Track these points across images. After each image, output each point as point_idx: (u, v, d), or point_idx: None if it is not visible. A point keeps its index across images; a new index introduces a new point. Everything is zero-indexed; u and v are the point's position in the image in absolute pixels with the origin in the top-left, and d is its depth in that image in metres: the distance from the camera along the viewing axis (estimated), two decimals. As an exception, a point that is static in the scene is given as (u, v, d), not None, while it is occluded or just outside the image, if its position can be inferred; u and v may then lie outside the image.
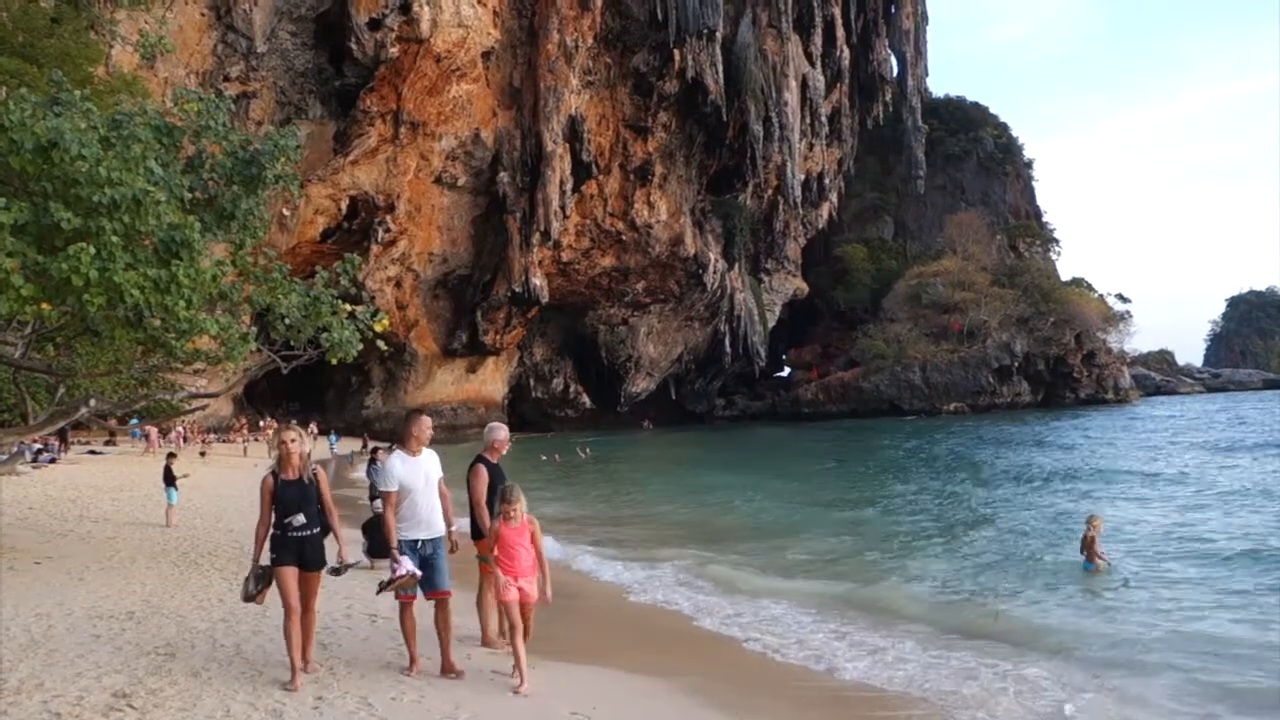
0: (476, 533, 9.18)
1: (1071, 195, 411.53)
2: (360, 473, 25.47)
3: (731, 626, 11.60)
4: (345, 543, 7.74)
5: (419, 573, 7.84)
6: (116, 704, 7.19)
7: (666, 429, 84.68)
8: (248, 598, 7.92)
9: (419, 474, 8.12)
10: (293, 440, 7.62)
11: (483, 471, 9.33)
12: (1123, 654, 10.14)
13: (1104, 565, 14.29)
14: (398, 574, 7.73)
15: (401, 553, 7.96)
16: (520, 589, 7.83)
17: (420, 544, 8.09)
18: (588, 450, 49.94)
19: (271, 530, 7.69)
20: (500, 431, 9.75)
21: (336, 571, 7.97)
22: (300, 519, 7.61)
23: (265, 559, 7.78)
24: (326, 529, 7.89)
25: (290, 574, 7.68)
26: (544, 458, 46.24)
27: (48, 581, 12.14)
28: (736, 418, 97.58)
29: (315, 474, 7.80)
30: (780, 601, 12.85)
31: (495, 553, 7.92)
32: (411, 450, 8.18)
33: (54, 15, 24.85)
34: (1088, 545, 14.41)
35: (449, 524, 8.39)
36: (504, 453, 9.69)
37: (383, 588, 7.86)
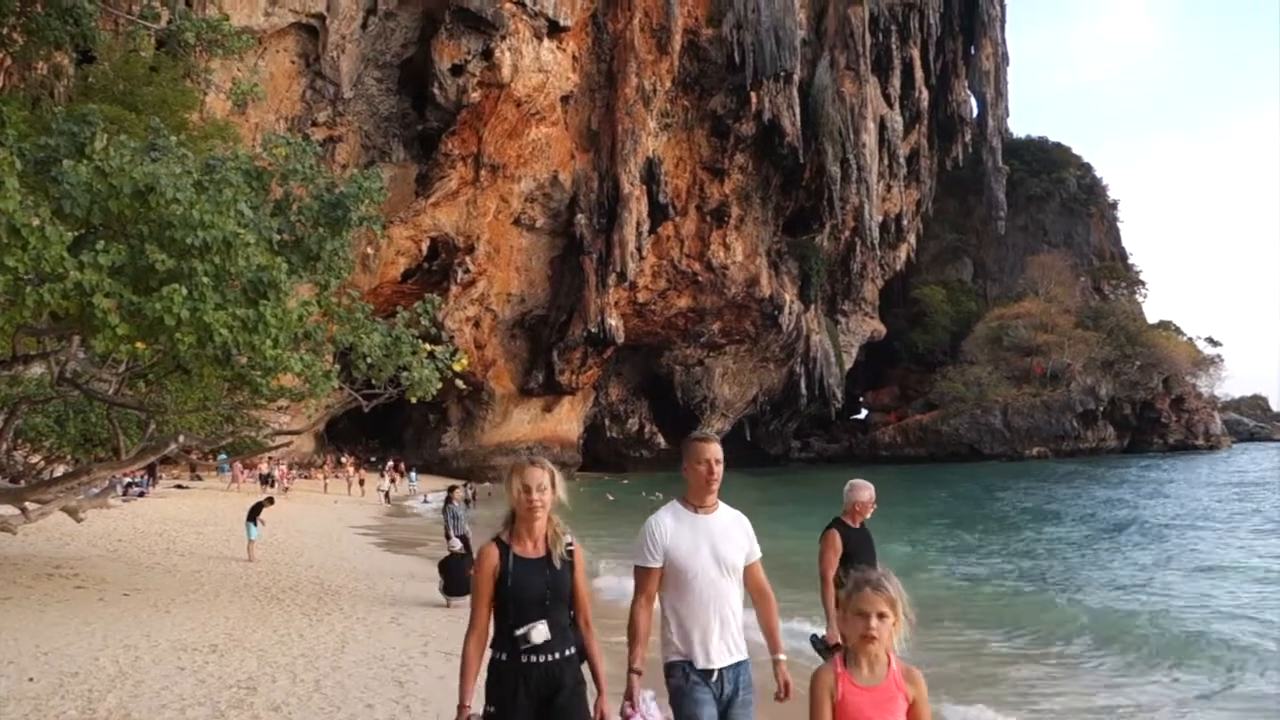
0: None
1: (1159, 236, 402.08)
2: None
3: None
4: (606, 682, 4.47)
5: None
6: (198, 736, 7.30)
7: (741, 470, 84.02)
8: None
9: (703, 546, 4.66)
10: (540, 487, 4.34)
11: (835, 539, 7.33)
12: None
13: None
14: None
15: (696, 687, 4.57)
16: None
17: (717, 676, 4.60)
18: (658, 495, 49.44)
19: (492, 653, 4.35)
20: (864, 491, 7.56)
21: None
22: (543, 631, 4.25)
23: (479, 702, 4.33)
24: (581, 650, 4.47)
25: None
26: (610, 497, 46.18)
27: (135, 613, 12.42)
28: (812, 460, 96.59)
29: (572, 551, 4.48)
30: None
31: None
32: (695, 503, 4.75)
33: (153, 64, 25.82)
34: None
35: (773, 641, 4.84)
36: (868, 516, 7.60)
37: None
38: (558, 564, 4.36)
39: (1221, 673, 11.65)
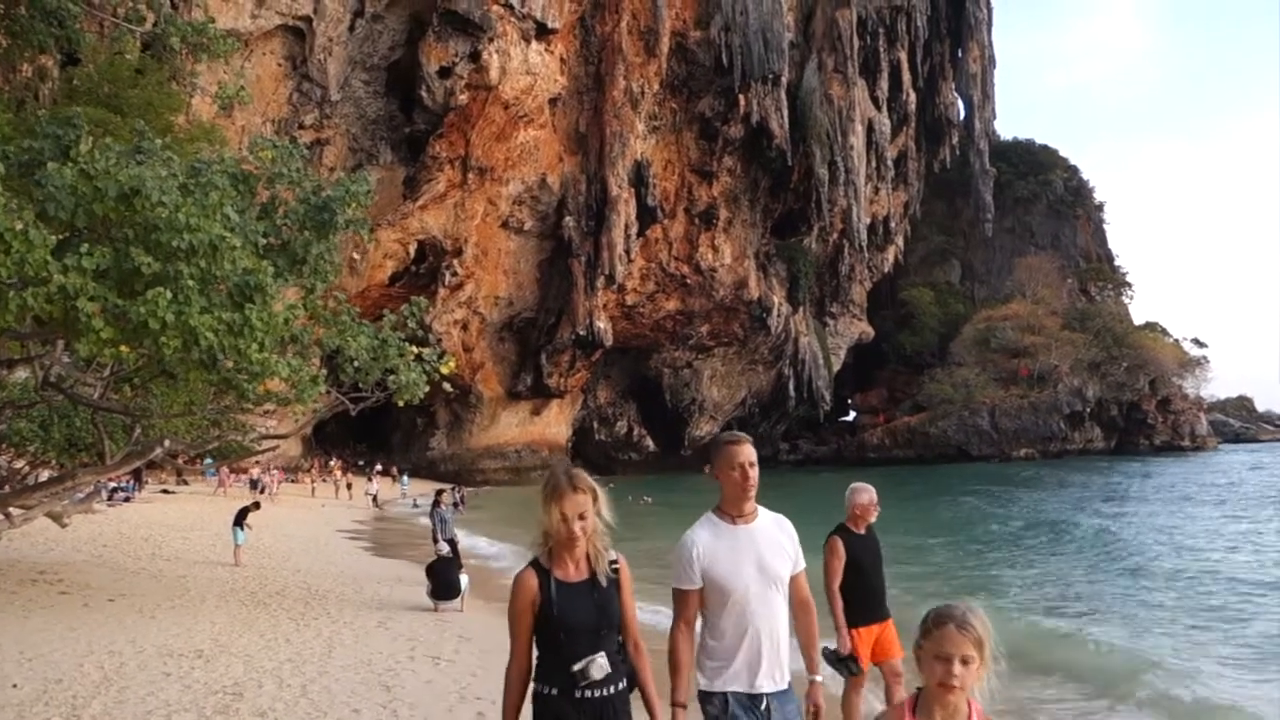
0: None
1: (1146, 238, 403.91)
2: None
3: None
4: (660, 709, 4.00)
5: None
6: (184, 743, 7.26)
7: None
8: None
9: (746, 561, 4.26)
10: (581, 516, 3.89)
11: (839, 547, 7.10)
12: None
13: None
14: None
15: (746, 714, 4.22)
16: None
17: (764, 703, 4.24)
18: (647, 499, 48.81)
19: (537, 686, 3.95)
20: (862, 494, 7.31)
21: None
22: (603, 665, 3.86)
23: None
24: (631, 680, 4.03)
25: None
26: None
27: (120, 619, 12.35)
28: (801, 462, 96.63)
29: (617, 569, 4.04)
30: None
31: None
32: (732, 513, 4.34)
33: (138, 67, 25.72)
34: None
35: (811, 660, 4.52)
36: (873, 519, 7.36)
37: None
38: (604, 583, 3.94)
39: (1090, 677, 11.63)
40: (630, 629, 4.03)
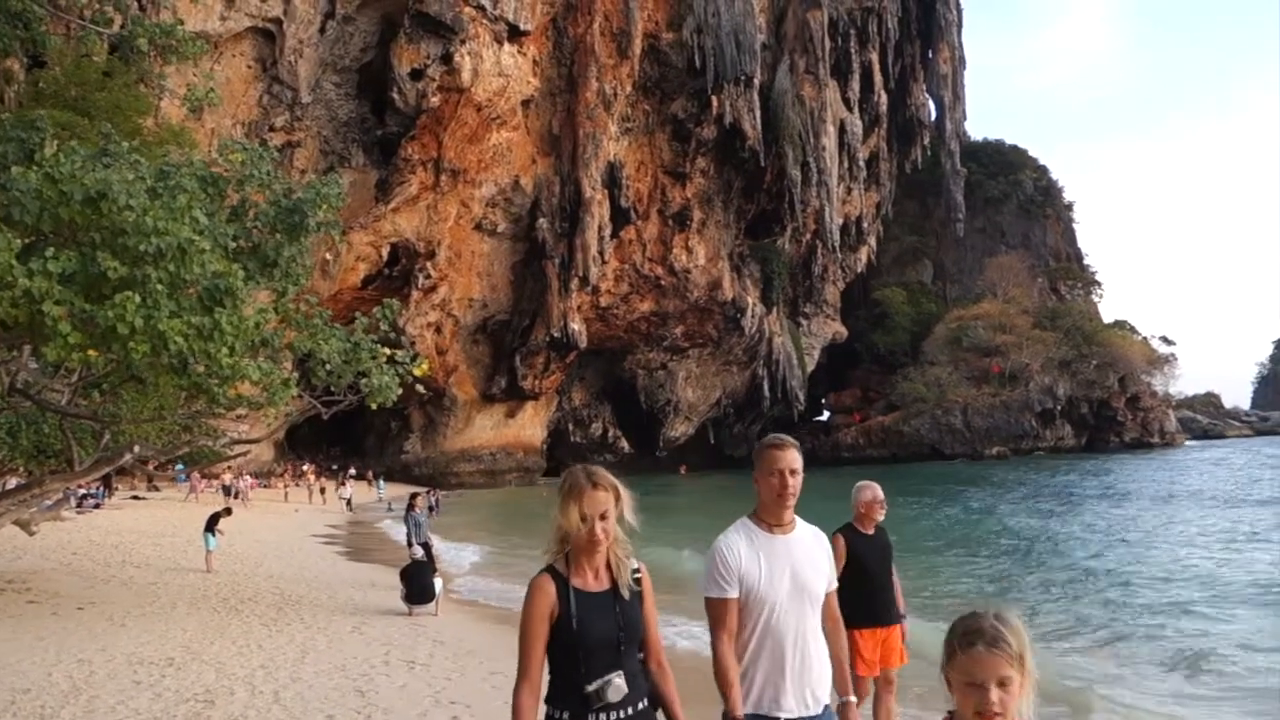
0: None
1: (1115, 238, 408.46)
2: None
3: None
4: None
5: None
6: (155, 751, 7.18)
7: (706, 473, 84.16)
8: None
9: (782, 573, 3.97)
10: (604, 515, 3.53)
11: (841, 545, 6.58)
12: None
13: None
14: None
15: None
16: None
17: None
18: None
19: (547, 709, 3.57)
20: (865, 491, 7.02)
21: None
22: (620, 686, 3.49)
23: None
24: (653, 700, 3.70)
25: None
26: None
27: (90, 627, 12.22)
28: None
29: (639, 578, 3.69)
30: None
31: None
32: (770, 522, 4.06)
33: (105, 70, 25.50)
34: None
35: (842, 679, 4.17)
36: (880, 518, 7.04)
37: None
38: (626, 594, 3.57)
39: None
40: (653, 646, 3.70)
